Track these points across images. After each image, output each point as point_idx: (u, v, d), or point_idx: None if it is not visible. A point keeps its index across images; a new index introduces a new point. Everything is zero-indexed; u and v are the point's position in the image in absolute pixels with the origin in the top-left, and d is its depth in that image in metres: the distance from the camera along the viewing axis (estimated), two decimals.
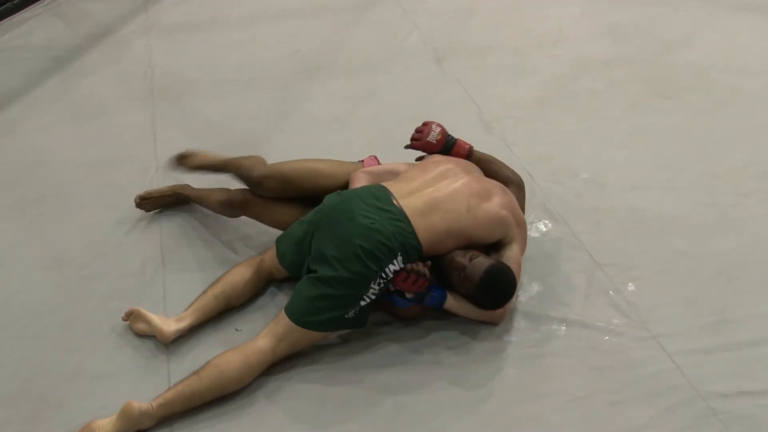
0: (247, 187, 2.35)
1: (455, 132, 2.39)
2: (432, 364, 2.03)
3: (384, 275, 1.96)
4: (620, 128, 3.10)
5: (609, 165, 2.86)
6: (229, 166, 2.44)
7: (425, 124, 2.37)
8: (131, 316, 2.12)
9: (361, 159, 2.43)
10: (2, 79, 3.62)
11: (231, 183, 2.47)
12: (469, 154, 2.35)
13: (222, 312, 2.15)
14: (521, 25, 4.03)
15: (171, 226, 2.57)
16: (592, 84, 3.44)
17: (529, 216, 2.56)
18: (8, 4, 4.14)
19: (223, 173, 2.50)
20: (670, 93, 3.35)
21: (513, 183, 2.35)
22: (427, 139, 2.33)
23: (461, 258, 2.02)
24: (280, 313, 2.00)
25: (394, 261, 1.96)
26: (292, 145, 3.05)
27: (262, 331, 1.99)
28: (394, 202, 2.04)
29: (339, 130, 3.18)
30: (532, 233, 2.50)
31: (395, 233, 1.96)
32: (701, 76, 3.47)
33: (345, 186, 2.27)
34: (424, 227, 2.00)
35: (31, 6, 4.32)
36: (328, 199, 2.13)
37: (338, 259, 1.95)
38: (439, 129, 2.34)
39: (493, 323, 2.11)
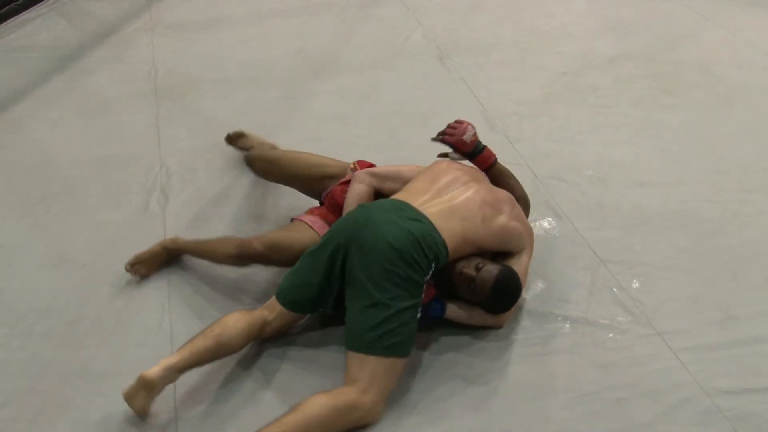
0: (256, 237, 2.22)
1: None
2: (437, 363, 2.02)
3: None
4: (625, 124, 3.10)
5: (614, 161, 2.85)
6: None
7: (460, 122, 2.31)
8: (130, 404, 1.85)
9: (355, 160, 2.44)
10: (7, 79, 3.63)
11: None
12: (493, 165, 2.31)
13: (214, 358, 1.92)
14: (525, 21, 4.02)
15: (175, 224, 2.58)
16: (596, 80, 3.43)
17: (533, 213, 2.56)
18: (13, 4, 4.15)
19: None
20: (676, 89, 3.34)
21: (523, 201, 2.33)
22: (463, 137, 2.27)
23: (468, 269, 2.01)
24: (350, 358, 1.85)
25: (432, 268, 1.95)
26: (297, 142, 3.05)
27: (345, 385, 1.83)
28: (419, 211, 2.01)
29: (343, 127, 3.18)
30: (536, 231, 2.49)
31: (430, 243, 1.93)
32: (707, 72, 3.45)
33: (333, 177, 2.38)
34: (447, 234, 1.98)
35: (36, 6, 4.33)
36: (349, 222, 2.00)
37: (389, 273, 1.86)
38: (474, 131, 2.30)
39: (497, 327, 2.11)
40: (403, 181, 2.25)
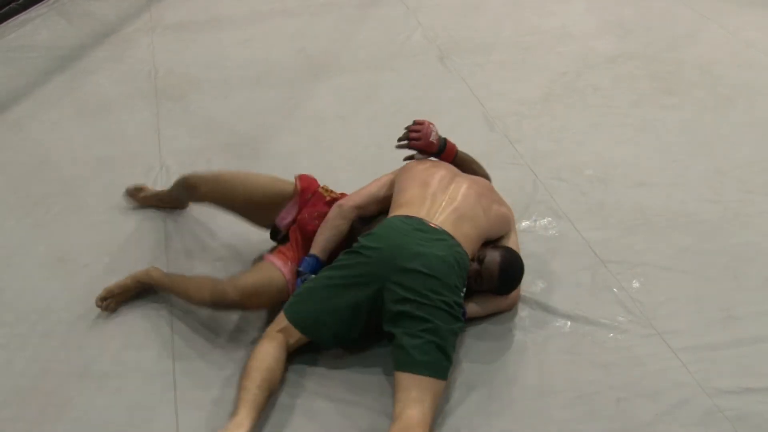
0: (231, 283, 2.09)
1: (460, 129, 2.38)
2: None
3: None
4: (625, 124, 3.10)
5: (614, 161, 2.85)
6: (170, 191, 2.51)
7: (420, 122, 2.29)
8: None
9: (297, 175, 2.34)
10: (8, 78, 3.63)
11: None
12: (456, 154, 2.33)
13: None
14: (525, 21, 4.02)
15: (174, 225, 2.58)
16: (597, 80, 3.43)
17: (533, 213, 2.56)
18: (13, 4, 4.15)
19: (170, 203, 2.59)
20: (676, 89, 3.34)
21: (488, 181, 2.38)
22: (429, 140, 2.27)
23: (472, 265, 2.04)
24: (403, 380, 1.80)
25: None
26: (297, 142, 3.06)
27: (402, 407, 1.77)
28: (433, 226, 1.99)
29: (343, 127, 3.18)
30: (536, 230, 2.50)
31: (460, 259, 1.95)
32: (707, 71, 3.45)
33: (286, 196, 2.25)
34: (464, 240, 2.00)
35: (36, 6, 4.33)
36: (378, 258, 1.92)
37: (434, 303, 1.85)
38: (435, 128, 2.30)
39: (510, 309, 2.16)
40: (380, 200, 2.22)
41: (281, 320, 1.97)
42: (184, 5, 4.38)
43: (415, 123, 2.30)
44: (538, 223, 2.53)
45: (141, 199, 2.64)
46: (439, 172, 2.19)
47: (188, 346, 2.10)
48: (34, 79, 3.61)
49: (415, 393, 1.77)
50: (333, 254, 2.13)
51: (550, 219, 2.55)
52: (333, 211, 2.18)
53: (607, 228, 2.50)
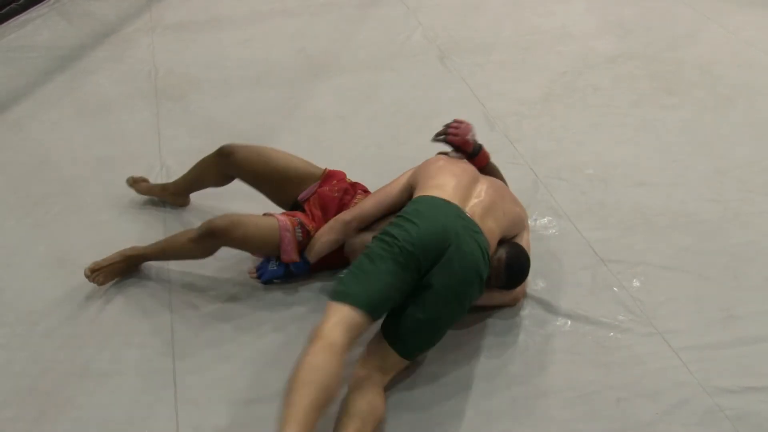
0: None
1: None
2: (437, 363, 2.02)
3: None
4: (625, 124, 3.10)
5: (614, 161, 2.85)
6: (196, 169, 2.49)
7: (460, 121, 2.31)
8: None
9: (327, 168, 2.42)
10: (8, 78, 3.63)
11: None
12: (488, 163, 2.35)
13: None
14: (525, 21, 4.02)
15: (174, 224, 2.58)
16: (597, 80, 3.43)
17: (533, 213, 2.56)
18: (13, 4, 4.15)
19: (184, 189, 2.58)
20: (676, 88, 3.34)
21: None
22: (467, 138, 2.28)
23: None
24: (388, 349, 1.84)
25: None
26: (297, 142, 3.06)
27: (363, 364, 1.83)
28: (470, 215, 2.01)
29: (343, 127, 3.18)
30: (536, 230, 2.49)
31: (485, 255, 1.96)
32: (707, 71, 3.45)
33: (312, 177, 2.34)
34: (489, 235, 2.01)
35: (37, 6, 4.33)
36: (432, 236, 1.87)
37: (467, 293, 1.90)
38: (474, 130, 2.31)
39: (513, 304, 2.18)
40: (386, 207, 2.19)
41: (332, 315, 1.74)
42: (184, 5, 4.38)
43: (455, 121, 2.32)
44: (538, 222, 2.53)
45: (144, 188, 2.65)
46: (463, 168, 2.20)
47: (188, 345, 2.10)
48: (35, 79, 3.61)
49: (389, 364, 1.85)
50: (322, 260, 2.22)
51: (550, 218, 2.55)
52: (332, 223, 2.21)
53: (608, 227, 2.50)
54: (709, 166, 2.80)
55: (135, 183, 2.67)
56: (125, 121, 3.25)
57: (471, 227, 1.96)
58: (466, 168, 2.21)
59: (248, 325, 2.15)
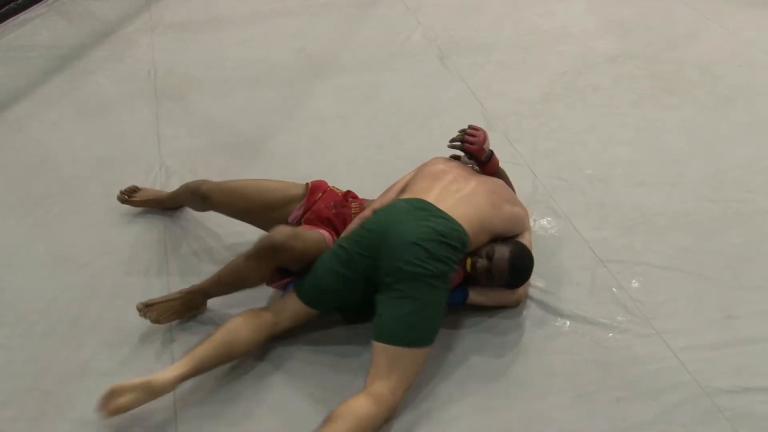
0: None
1: (459, 129, 2.37)
2: (436, 363, 2.02)
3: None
4: (625, 124, 3.09)
5: (614, 161, 2.85)
6: (176, 194, 2.50)
7: (476, 128, 2.28)
8: (108, 396, 1.78)
9: (308, 182, 2.37)
10: (8, 78, 3.63)
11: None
12: (498, 169, 2.35)
13: (223, 363, 1.94)
14: (525, 21, 4.02)
15: (174, 224, 2.58)
16: (597, 80, 3.42)
17: (532, 213, 2.56)
18: (13, 4, 4.14)
19: (170, 205, 2.59)
20: (676, 88, 3.33)
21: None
22: (483, 146, 2.27)
23: (482, 261, 2.06)
24: (376, 349, 1.86)
25: (459, 258, 1.99)
26: (297, 142, 3.06)
27: (368, 379, 1.84)
28: (438, 206, 2.03)
29: (343, 127, 3.18)
30: (536, 230, 2.50)
31: (454, 236, 1.96)
32: (707, 71, 3.45)
33: (295, 199, 2.31)
34: (465, 221, 2.02)
35: (36, 6, 4.33)
36: (371, 232, 2.00)
37: (417, 272, 1.89)
38: (488, 138, 2.30)
39: (516, 304, 2.17)
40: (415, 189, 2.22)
41: (281, 301, 2.03)
42: (184, 5, 4.38)
43: (471, 128, 2.29)
44: (537, 222, 2.53)
45: (137, 202, 2.62)
46: (455, 171, 2.22)
47: (187, 344, 2.09)
48: (34, 78, 3.61)
49: (383, 363, 1.83)
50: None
51: (549, 219, 2.55)
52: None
53: (607, 228, 2.50)
54: (709, 166, 2.80)
55: (130, 195, 2.61)
56: (125, 121, 3.25)
57: (433, 214, 1.98)
58: (455, 169, 2.22)
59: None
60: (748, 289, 2.23)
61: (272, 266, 2.06)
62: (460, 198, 2.09)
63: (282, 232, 2.03)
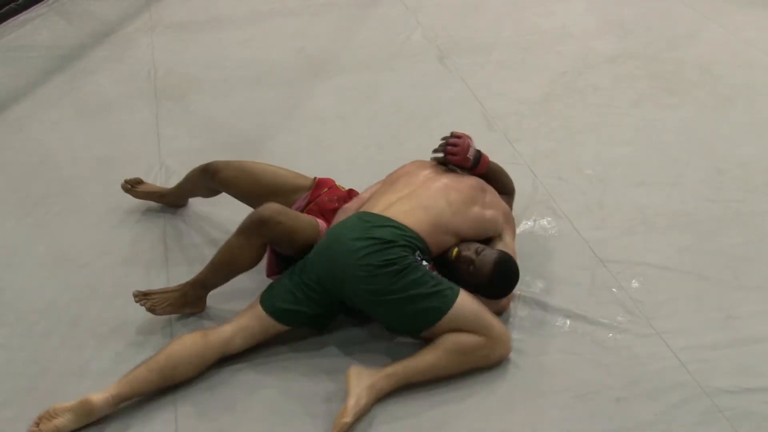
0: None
1: (460, 129, 2.36)
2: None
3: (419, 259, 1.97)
4: (625, 124, 3.10)
5: (614, 161, 2.85)
6: (180, 185, 2.51)
7: (458, 135, 2.24)
8: (43, 417, 1.78)
9: (316, 177, 2.40)
10: (8, 78, 3.63)
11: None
12: (488, 171, 2.32)
13: (161, 388, 1.90)
14: (525, 21, 4.02)
15: (174, 224, 2.58)
16: (596, 80, 3.43)
17: (532, 213, 2.56)
18: (13, 4, 4.15)
19: (172, 200, 2.60)
20: (676, 88, 3.34)
21: (511, 194, 2.43)
22: (467, 155, 2.24)
23: (468, 252, 2.06)
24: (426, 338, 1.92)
25: (420, 255, 1.98)
26: (297, 142, 3.06)
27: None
28: (386, 215, 2.02)
29: (343, 127, 3.18)
30: (536, 230, 2.50)
31: (403, 239, 1.95)
32: (707, 71, 3.45)
33: (301, 188, 2.34)
34: (415, 224, 2.01)
35: (36, 6, 4.33)
36: (321, 253, 2.00)
37: (374, 288, 1.90)
38: (473, 143, 2.25)
39: (499, 313, 2.12)
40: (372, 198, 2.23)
41: (245, 314, 2.00)
42: (184, 5, 4.38)
43: (453, 135, 2.26)
44: (537, 223, 2.53)
45: (140, 193, 2.62)
46: (415, 172, 2.20)
47: None
48: (34, 78, 3.61)
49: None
50: None
51: (549, 219, 2.55)
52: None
53: (607, 228, 2.50)
54: (709, 166, 2.80)
55: (133, 185, 2.62)
56: (125, 121, 3.25)
57: (376, 223, 1.97)
58: (418, 171, 2.20)
59: None
60: (748, 289, 2.23)
61: (262, 242, 2.05)
62: (409, 200, 2.07)
63: (270, 207, 2.04)
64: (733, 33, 3.77)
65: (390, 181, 2.23)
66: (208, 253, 2.42)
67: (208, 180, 2.37)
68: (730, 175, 2.75)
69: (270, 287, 2.06)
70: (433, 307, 1.90)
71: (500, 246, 2.17)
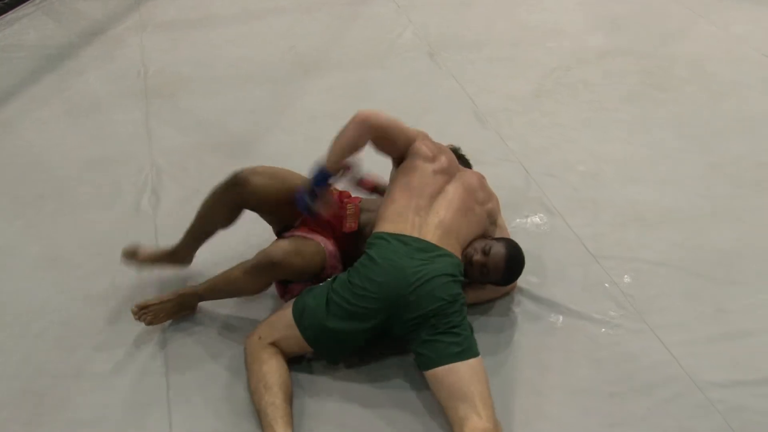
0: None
1: (451, 126, 2.37)
2: None
3: None
4: (617, 120, 3.11)
5: (606, 157, 2.86)
6: (202, 214, 2.21)
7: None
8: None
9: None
10: None
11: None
12: (380, 184, 2.34)
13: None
14: (516, 17, 4.03)
15: (166, 225, 2.57)
16: (588, 76, 3.44)
17: (524, 210, 2.57)
18: (0, 4, 4.12)
19: (201, 229, 2.24)
20: (667, 84, 3.35)
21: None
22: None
23: (477, 256, 2.05)
24: (437, 377, 1.82)
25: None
26: (288, 141, 3.06)
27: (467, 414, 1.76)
28: (431, 241, 1.97)
29: (335, 125, 3.16)
30: (528, 227, 2.50)
31: (458, 269, 1.96)
32: (698, 67, 3.47)
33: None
34: (453, 249, 2.00)
35: (23, 5, 4.31)
36: (388, 286, 1.88)
37: (445, 314, 1.87)
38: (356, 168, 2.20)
39: (507, 294, 2.20)
40: (395, 138, 2.18)
41: (279, 326, 1.94)
42: (174, 4, 4.36)
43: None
44: (530, 219, 2.54)
45: (141, 260, 2.27)
46: (433, 179, 2.11)
47: (181, 345, 2.09)
48: (23, 79, 3.59)
49: (461, 389, 1.77)
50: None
51: (542, 215, 2.56)
52: (354, 125, 2.13)
53: (599, 224, 2.51)
54: (701, 162, 2.82)
55: (133, 254, 2.26)
56: (115, 121, 3.24)
57: (435, 254, 1.94)
58: (435, 178, 2.11)
59: (241, 326, 2.14)
60: (739, 284, 2.25)
61: (270, 281, 2.05)
62: (442, 227, 2.01)
63: (281, 247, 1.98)
64: (724, 29, 3.79)
65: (408, 194, 2.07)
66: (201, 256, 2.41)
67: (236, 193, 2.10)
68: (721, 170, 2.76)
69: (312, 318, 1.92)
70: (465, 350, 1.84)
71: (496, 232, 2.21)
